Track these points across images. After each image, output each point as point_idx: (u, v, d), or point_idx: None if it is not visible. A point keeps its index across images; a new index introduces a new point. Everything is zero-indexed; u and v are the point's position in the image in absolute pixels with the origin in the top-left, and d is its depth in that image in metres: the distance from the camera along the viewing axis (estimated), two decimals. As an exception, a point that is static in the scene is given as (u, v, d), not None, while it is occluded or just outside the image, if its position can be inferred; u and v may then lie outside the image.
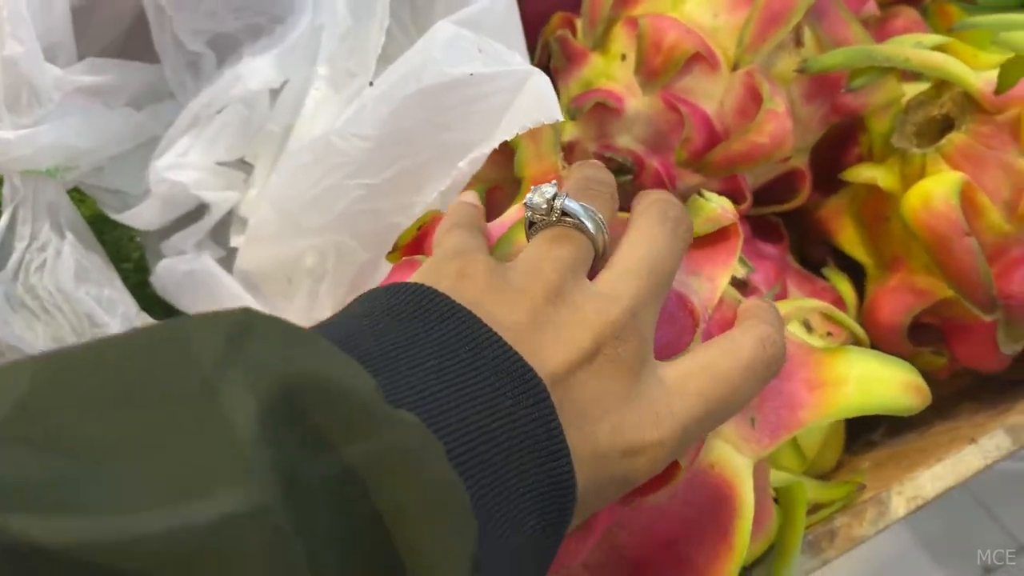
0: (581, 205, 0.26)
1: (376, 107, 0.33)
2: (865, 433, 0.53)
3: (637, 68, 0.42)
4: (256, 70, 0.37)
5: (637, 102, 0.42)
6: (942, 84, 0.43)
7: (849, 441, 0.50)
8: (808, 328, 0.44)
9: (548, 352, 0.23)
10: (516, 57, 0.33)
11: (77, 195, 0.46)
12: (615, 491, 0.24)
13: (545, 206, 0.26)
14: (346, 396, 0.18)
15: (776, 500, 0.36)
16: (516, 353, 0.22)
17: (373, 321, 0.22)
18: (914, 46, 0.42)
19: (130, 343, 0.17)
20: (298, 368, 0.17)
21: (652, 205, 0.28)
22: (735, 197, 0.43)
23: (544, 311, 0.24)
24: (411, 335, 0.22)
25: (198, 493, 0.15)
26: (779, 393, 0.31)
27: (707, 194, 0.31)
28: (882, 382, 0.32)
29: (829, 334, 0.45)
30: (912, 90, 0.46)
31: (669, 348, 0.27)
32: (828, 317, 0.45)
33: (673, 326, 0.28)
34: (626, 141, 0.43)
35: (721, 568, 0.29)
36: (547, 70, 0.48)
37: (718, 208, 0.30)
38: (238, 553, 0.15)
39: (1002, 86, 0.41)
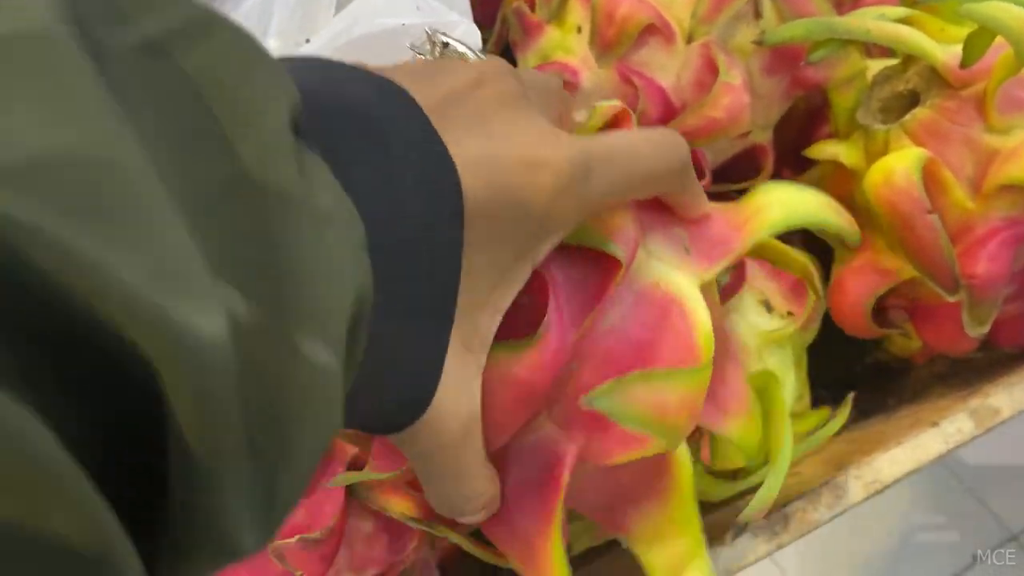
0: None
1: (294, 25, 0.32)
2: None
3: (592, 40, 0.41)
4: None
5: (592, 75, 0.41)
6: (909, 59, 0.42)
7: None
8: (768, 308, 0.43)
9: (429, 87, 0.24)
10: (452, 15, 0.33)
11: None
12: (518, 206, 0.24)
13: (428, 45, 0.27)
14: None
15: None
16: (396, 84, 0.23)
17: None
18: (877, 18, 0.40)
19: None
20: None
21: None
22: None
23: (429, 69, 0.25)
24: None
25: None
26: (708, 235, 0.31)
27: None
28: (804, 202, 0.34)
29: (790, 313, 0.44)
30: (880, 65, 0.44)
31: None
32: (790, 296, 0.44)
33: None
34: (582, 115, 0.42)
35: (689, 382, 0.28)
36: (507, 44, 0.47)
37: (605, 104, 0.31)
38: None
39: (967, 59, 0.39)
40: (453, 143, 0.23)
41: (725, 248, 0.31)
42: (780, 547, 0.39)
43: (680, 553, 0.31)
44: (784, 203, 0.33)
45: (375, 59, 0.31)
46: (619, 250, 0.28)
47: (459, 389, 0.25)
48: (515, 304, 0.27)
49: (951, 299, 0.41)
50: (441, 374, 0.24)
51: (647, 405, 0.27)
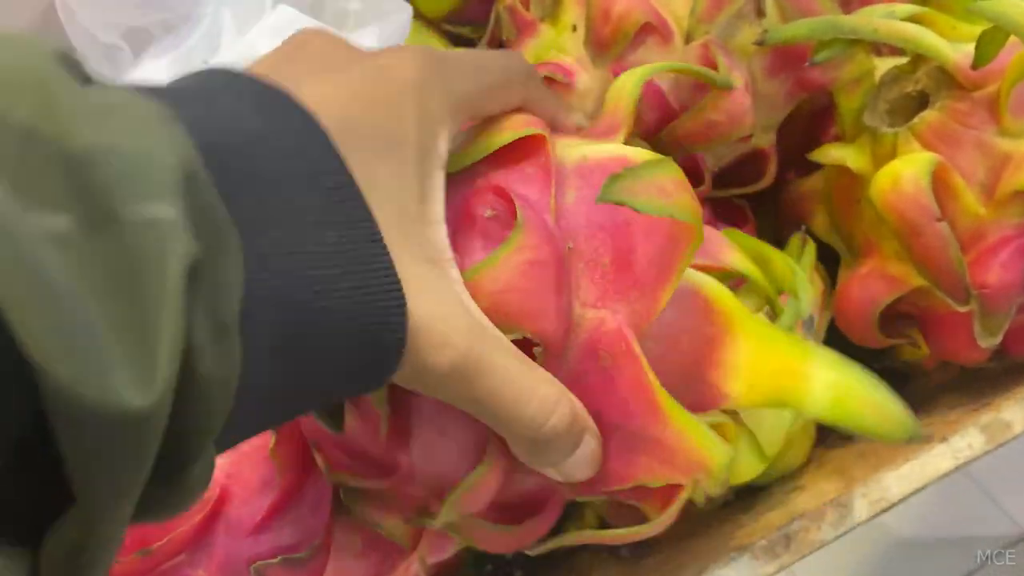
0: None
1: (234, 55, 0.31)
2: (841, 426, 0.50)
3: (587, 39, 0.39)
4: (150, 74, 0.35)
5: (588, 76, 0.40)
6: (918, 58, 0.40)
7: (822, 434, 0.47)
8: (771, 318, 0.42)
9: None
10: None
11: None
12: (381, 114, 0.25)
13: None
14: None
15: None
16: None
17: None
18: (885, 16, 0.39)
19: None
20: None
21: None
22: (692, 179, 0.41)
23: None
24: None
25: None
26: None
27: None
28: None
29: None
30: (889, 65, 0.43)
31: None
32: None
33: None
34: (578, 118, 0.41)
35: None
36: (501, 43, 0.46)
37: (522, 118, 0.30)
38: None
39: (979, 60, 0.38)
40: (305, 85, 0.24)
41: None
42: (783, 568, 0.38)
43: (786, 360, 0.31)
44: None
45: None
46: (535, 130, 0.29)
47: (441, 300, 0.25)
48: (482, 224, 0.28)
49: (961, 309, 0.39)
50: (400, 285, 0.23)
51: (652, 191, 0.29)
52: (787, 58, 0.40)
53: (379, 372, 0.24)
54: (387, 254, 0.23)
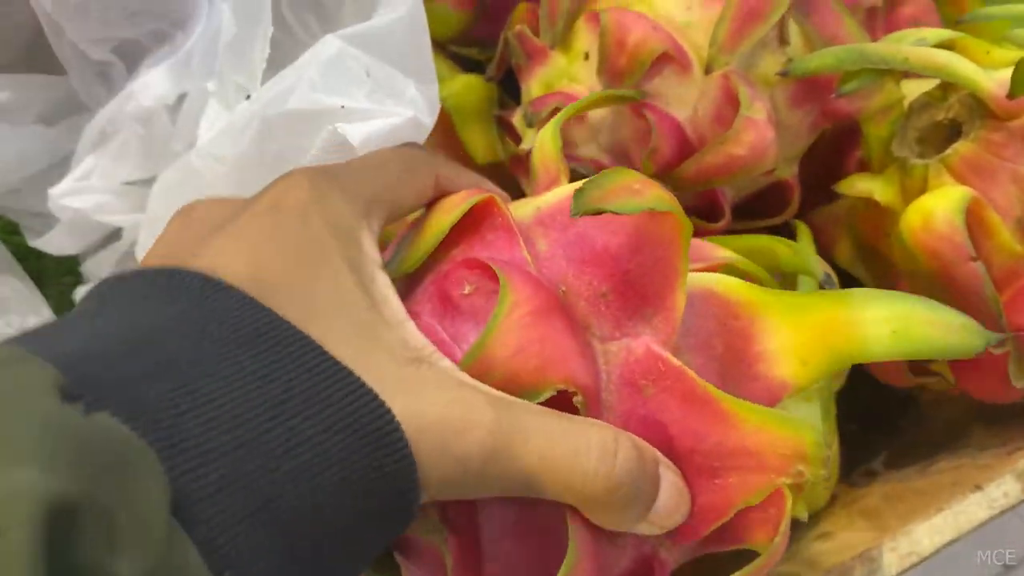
0: None
1: (240, 127, 0.29)
2: (864, 460, 0.48)
3: (600, 68, 0.37)
4: (149, 85, 0.33)
5: (601, 108, 0.38)
6: (949, 84, 0.38)
7: (846, 468, 0.46)
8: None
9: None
10: (409, 87, 0.30)
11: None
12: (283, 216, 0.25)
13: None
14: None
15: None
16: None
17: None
18: (915, 43, 0.37)
19: None
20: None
21: None
22: (712, 213, 0.39)
23: None
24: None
25: None
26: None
27: None
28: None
29: (818, 365, 0.40)
30: (918, 89, 0.40)
31: None
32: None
33: None
34: (591, 151, 0.39)
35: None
36: (510, 68, 0.44)
37: (461, 193, 0.29)
38: None
39: (1016, 89, 0.36)
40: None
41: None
42: (808, 625, 0.36)
43: (826, 317, 0.28)
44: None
45: (311, 137, 0.29)
46: (479, 196, 0.28)
47: (442, 387, 0.23)
48: (464, 304, 0.26)
49: (997, 352, 0.37)
50: (375, 394, 0.21)
51: (622, 192, 0.27)
52: (812, 88, 0.38)
53: (401, 499, 0.21)
54: (349, 373, 0.21)
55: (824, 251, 0.45)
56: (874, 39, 0.44)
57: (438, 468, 0.21)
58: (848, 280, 0.44)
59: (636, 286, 0.27)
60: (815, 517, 0.43)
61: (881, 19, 0.45)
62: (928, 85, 0.40)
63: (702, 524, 0.27)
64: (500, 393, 0.24)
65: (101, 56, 0.37)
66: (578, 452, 0.23)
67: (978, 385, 0.41)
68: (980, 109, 0.37)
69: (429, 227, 0.28)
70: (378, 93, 0.28)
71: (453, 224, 0.28)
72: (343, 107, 0.28)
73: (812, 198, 0.46)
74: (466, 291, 0.26)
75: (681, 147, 0.37)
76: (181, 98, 0.33)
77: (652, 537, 0.27)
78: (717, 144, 0.36)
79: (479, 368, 0.24)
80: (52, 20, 0.35)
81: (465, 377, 0.24)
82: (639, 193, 0.27)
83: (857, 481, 0.46)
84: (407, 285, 0.28)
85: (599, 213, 0.26)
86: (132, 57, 0.37)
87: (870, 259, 0.42)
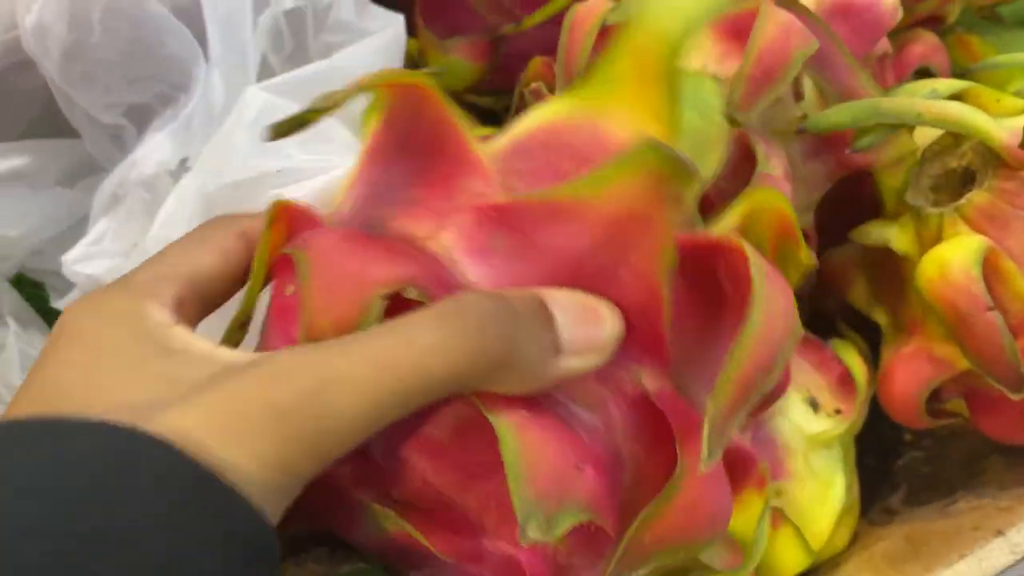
0: None
1: (188, 206, 0.30)
2: (881, 496, 0.49)
3: (616, 127, 0.38)
4: (152, 151, 0.34)
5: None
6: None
7: (865, 504, 0.46)
8: (815, 407, 0.40)
9: None
10: (343, 132, 0.29)
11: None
12: None
13: None
14: None
15: None
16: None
17: None
18: (928, 95, 0.37)
19: None
20: None
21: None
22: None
23: None
24: None
25: None
26: None
27: None
28: None
29: (838, 411, 0.41)
30: (930, 134, 0.41)
31: None
32: (838, 391, 0.41)
33: None
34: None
35: None
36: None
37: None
38: None
39: (1028, 139, 0.36)
40: None
41: None
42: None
43: None
44: None
45: (257, 204, 0.29)
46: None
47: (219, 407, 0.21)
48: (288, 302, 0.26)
49: (1015, 398, 0.37)
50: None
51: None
52: (828, 141, 0.38)
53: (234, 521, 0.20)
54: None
55: (839, 293, 0.45)
56: (885, 83, 0.45)
57: (269, 458, 0.21)
58: (864, 322, 0.45)
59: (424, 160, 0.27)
60: (839, 560, 0.43)
61: (890, 60, 0.45)
62: (940, 131, 0.41)
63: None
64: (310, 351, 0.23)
65: (112, 120, 0.37)
66: (420, 341, 0.22)
67: (997, 426, 0.41)
68: (993, 157, 0.38)
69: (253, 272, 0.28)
70: (312, 142, 0.29)
71: (266, 254, 0.27)
72: (278, 171, 0.28)
73: (827, 239, 0.46)
74: (289, 292, 0.26)
75: (699, 202, 0.38)
76: (183, 162, 0.34)
77: (624, 367, 0.27)
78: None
79: (312, 336, 0.24)
80: (60, 89, 0.36)
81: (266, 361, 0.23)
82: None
83: (876, 519, 0.47)
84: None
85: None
86: (142, 119, 0.38)
87: (886, 303, 0.43)
